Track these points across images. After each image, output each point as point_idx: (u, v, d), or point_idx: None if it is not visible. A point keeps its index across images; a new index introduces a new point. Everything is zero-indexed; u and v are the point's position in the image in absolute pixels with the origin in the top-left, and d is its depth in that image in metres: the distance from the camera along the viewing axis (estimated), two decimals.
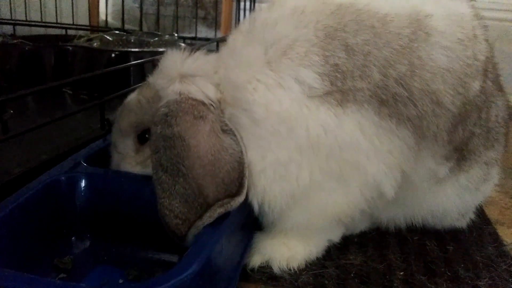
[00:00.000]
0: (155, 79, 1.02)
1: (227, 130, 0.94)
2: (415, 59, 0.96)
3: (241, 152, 0.92)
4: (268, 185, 0.95)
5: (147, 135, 1.03)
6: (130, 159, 1.06)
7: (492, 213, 1.42)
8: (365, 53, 0.94)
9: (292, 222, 1.02)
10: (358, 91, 0.92)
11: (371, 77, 0.93)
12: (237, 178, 0.90)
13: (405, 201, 1.12)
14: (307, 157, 0.92)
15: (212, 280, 0.80)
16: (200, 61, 1.03)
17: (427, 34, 0.98)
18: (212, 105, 0.95)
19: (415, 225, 1.22)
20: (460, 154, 1.09)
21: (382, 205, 1.03)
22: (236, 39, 1.05)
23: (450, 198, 1.16)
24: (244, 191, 0.90)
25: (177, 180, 0.86)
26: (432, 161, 1.05)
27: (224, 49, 1.07)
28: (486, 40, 1.10)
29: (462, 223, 1.28)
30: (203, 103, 0.93)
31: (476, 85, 1.05)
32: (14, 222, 0.86)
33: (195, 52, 1.05)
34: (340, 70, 0.92)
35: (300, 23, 0.97)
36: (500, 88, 1.18)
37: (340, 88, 0.92)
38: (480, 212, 1.40)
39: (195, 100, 0.93)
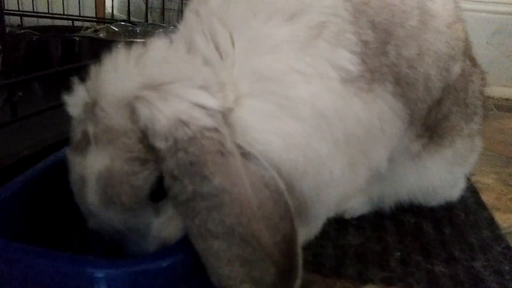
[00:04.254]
0: (108, 116, 0.72)
1: (246, 154, 0.74)
2: (422, 42, 0.98)
3: (273, 177, 0.74)
4: (302, 183, 0.85)
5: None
6: (157, 226, 0.77)
7: (488, 199, 1.44)
8: (386, 31, 0.93)
9: (306, 211, 0.97)
10: (382, 67, 0.91)
11: (389, 53, 0.93)
12: (284, 211, 0.73)
13: (386, 177, 1.12)
14: (340, 150, 0.88)
15: None
16: (159, 56, 0.80)
17: (431, 17, 1.00)
18: (219, 127, 0.72)
19: (406, 204, 1.25)
20: (433, 132, 1.13)
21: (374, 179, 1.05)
22: (242, 11, 0.86)
23: (438, 174, 1.19)
24: (297, 224, 0.74)
25: (232, 242, 0.67)
26: (406, 139, 1.09)
27: (219, 27, 0.85)
28: (463, 19, 1.13)
29: (454, 195, 1.33)
30: (216, 129, 0.71)
31: (457, 68, 1.08)
32: (23, 200, 0.88)
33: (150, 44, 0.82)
34: (369, 47, 0.89)
35: None
36: (475, 63, 1.22)
37: (369, 67, 0.89)
38: (477, 198, 1.43)
39: (207, 128, 0.70)
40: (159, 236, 0.76)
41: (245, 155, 0.74)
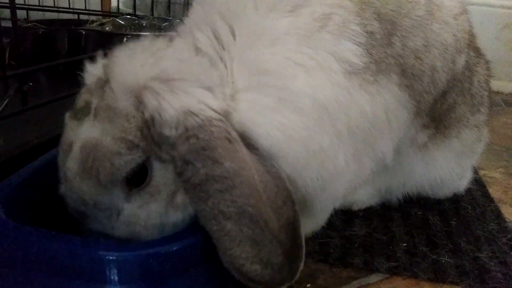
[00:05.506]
0: (115, 97, 0.75)
1: (247, 144, 0.78)
2: (429, 33, 0.99)
3: (274, 165, 0.79)
4: (305, 175, 0.87)
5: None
6: (127, 212, 0.77)
7: (495, 193, 1.45)
8: (392, 22, 0.94)
9: (312, 202, 0.98)
10: (387, 57, 0.92)
11: (395, 44, 0.94)
12: (286, 196, 0.77)
13: (394, 169, 1.13)
14: (344, 142, 0.89)
15: None
16: (176, 55, 0.82)
17: (438, 8, 1.01)
18: (223, 119, 0.77)
19: (414, 196, 1.26)
20: (438, 123, 1.14)
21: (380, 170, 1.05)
22: (244, 4, 0.87)
23: (446, 165, 1.20)
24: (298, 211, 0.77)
25: (243, 223, 0.71)
26: (413, 130, 1.09)
27: (219, 18, 0.87)
28: (467, 11, 1.14)
29: (461, 186, 1.34)
30: (221, 120, 0.76)
31: (462, 60, 1.09)
32: (34, 186, 0.89)
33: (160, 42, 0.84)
34: (374, 38, 0.90)
35: None
36: (479, 54, 1.22)
37: (374, 58, 0.90)
38: (484, 191, 1.44)
39: (214, 118, 0.75)
40: (127, 223, 0.77)
41: (247, 145, 0.77)
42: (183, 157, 0.72)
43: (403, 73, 0.96)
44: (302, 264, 0.74)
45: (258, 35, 0.84)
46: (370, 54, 0.89)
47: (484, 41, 1.27)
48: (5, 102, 0.99)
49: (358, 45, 0.87)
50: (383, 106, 0.93)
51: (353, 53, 0.86)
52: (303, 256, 0.75)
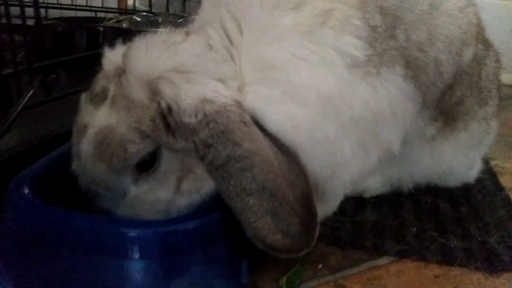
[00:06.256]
0: (131, 87, 0.80)
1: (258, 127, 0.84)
2: (432, 27, 1.01)
3: (284, 144, 0.86)
4: (313, 163, 0.91)
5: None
6: (133, 194, 0.83)
7: (506, 182, 1.46)
8: (395, 16, 0.96)
9: (322, 188, 1.02)
10: (390, 50, 0.94)
11: (398, 37, 0.96)
12: (298, 170, 0.84)
13: (402, 159, 1.16)
14: (349, 132, 0.93)
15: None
16: (191, 49, 0.86)
17: (442, 1, 1.03)
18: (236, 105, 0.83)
19: (423, 185, 1.29)
20: (447, 116, 1.16)
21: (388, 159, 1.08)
22: (250, 1, 0.91)
23: (454, 157, 1.22)
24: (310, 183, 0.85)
25: (263, 197, 0.77)
26: (421, 122, 1.11)
27: (228, 15, 0.92)
28: (475, 3, 1.15)
29: (470, 177, 1.35)
30: (235, 105, 0.82)
31: (469, 52, 1.10)
32: (58, 171, 0.93)
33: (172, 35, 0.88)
34: (377, 31, 0.93)
35: None
36: (488, 47, 1.23)
37: (377, 50, 0.92)
38: (495, 180, 1.45)
39: (229, 104, 0.81)
40: (131, 204, 0.83)
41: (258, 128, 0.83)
42: (204, 141, 0.77)
43: (407, 64, 0.98)
44: (317, 232, 0.81)
45: (263, 31, 0.88)
46: (373, 47, 0.92)
47: (498, 34, 1.28)
48: (30, 93, 1.04)
49: (359, 39, 0.90)
50: (386, 97, 0.95)
51: (354, 47, 0.89)
52: (318, 224, 0.82)
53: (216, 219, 0.81)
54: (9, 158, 1.06)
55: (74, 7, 2.90)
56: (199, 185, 0.84)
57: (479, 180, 1.41)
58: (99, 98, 0.82)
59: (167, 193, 0.83)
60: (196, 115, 0.78)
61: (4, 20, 1.02)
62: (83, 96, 0.85)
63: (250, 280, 0.90)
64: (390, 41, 0.94)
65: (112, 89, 0.81)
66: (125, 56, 0.84)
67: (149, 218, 0.83)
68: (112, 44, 0.91)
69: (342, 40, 0.89)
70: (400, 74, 0.96)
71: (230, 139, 0.77)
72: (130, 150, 0.78)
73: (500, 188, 1.40)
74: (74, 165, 0.83)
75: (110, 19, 2.70)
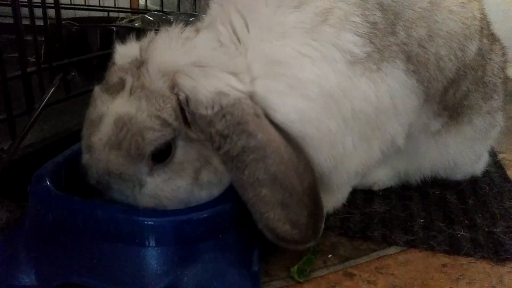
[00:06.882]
0: (151, 79, 0.83)
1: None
2: (433, 23, 1.03)
3: (292, 139, 0.89)
4: (318, 154, 0.94)
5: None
6: (151, 185, 0.85)
7: None
8: (395, 12, 0.98)
9: (328, 180, 1.05)
10: (391, 45, 0.97)
11: (398, 33, 0.98)
12: (305, 163, 0.87)
13: (409, 153, 1.19)
14: (350, 125, 0.95)
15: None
16: (206, 44, 0.91)
17: None
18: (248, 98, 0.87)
19: (430, 178, 1.31)
20: (452, 111, 1.17)
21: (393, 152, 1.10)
22: (255, 2, 0.95)
23: (459, 150, 1.24)
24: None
25: (275, 188, 0.80)
26: (425, 116, 1.14)
27: (235, 13, 0.95)
28: None
29: (477, 169, 1.37)
30: (247, 99, 0.85)
31: (473, 47, 1.11)
32: (77, 163, 0.98)
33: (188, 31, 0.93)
34: (377, 28, 0.95)
35: None
36: (493, 41, 1.24)
37: (377, 46, 0.95)
38: (503, 173, 1.47)
39: (242, 97, 0.84)
40: (151, 195, 0.84)
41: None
42: (220, 132, 0.81)
43: (408, 59, 1.00)
44: (323, 224, 0.84)
45: (268, 29, 0.92)
46: (373, 44, 0.95)
47: (509, 29, 1.29)
48: (52, 89, 1.08)
49: (359, 36, 0.93)
50: (387, 92, 0.98)
51: (354, 44, 0.92)
52: (324, 217, 0.85)
53: (229, 209, 0.84)
54: (32, 153, 1.11)
55: (87, 7, 2.96)
56: (220, 177, 0.88)
57: (486, 173, 1.43)
58: (116, 89, 0.85)
59: (185, 183, 0.86)
60: (213, 107, 0.81)
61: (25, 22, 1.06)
62: (97, 88, 0.88)
63: (263, 269, 0.94)
64: (390, 37, 0.97)
65: (129, 80, 0.85)
66: (145, 49, 0.88)
67: (170, 207, 0.86)
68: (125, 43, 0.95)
69: (341, 37, 0.92)
70: (401, 69, 0.99)
71: (245, 130, 0.80)
72: (149, 137, 0.80)
73: (507, 180, 1.42)
74: (85, 158, 0.85)
75: (123, 18, 2.75)
